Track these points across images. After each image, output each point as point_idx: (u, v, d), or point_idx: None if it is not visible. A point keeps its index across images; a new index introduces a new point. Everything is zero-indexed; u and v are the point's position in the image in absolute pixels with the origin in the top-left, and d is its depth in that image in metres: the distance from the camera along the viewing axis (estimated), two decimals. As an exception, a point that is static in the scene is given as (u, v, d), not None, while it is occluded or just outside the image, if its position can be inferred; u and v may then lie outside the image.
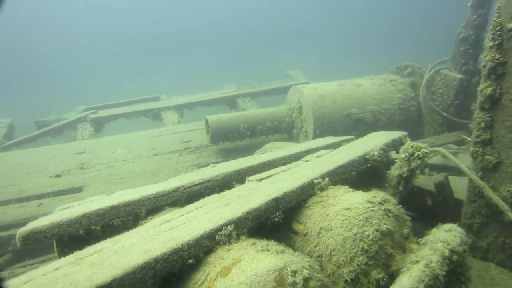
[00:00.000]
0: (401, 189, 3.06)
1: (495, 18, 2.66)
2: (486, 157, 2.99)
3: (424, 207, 3.84)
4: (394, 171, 2.97)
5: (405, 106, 5.71)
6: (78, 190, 5.15)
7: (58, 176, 5.35)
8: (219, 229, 2.14)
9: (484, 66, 2.78)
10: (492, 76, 2.75)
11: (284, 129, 5.98)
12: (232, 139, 5.85)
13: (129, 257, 1.90)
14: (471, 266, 2.10)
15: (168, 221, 2.32)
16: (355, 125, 5.46)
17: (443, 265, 1.87)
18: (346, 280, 2.21)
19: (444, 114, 5.45)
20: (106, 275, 1.75)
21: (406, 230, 2.45)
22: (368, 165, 3.14)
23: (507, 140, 2.85)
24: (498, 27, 2.65)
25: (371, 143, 3.35)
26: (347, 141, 3.81)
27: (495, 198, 2.94)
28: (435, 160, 4.62)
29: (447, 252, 1.92)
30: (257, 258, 1.97)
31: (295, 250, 2.50)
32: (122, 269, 1.79)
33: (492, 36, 2.68)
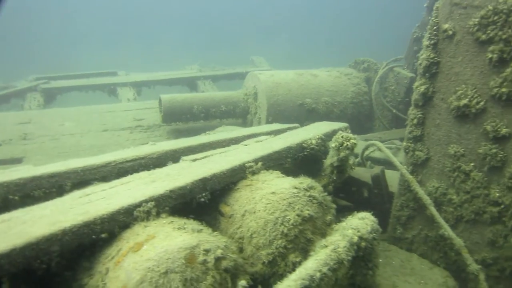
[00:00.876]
0: (334, 178, 3.12)
1: (432, 18, 2.73)
2: (416, 152, 3.09)
3: (361, 198, 3.95)
4: (327, 161, 3.03)
5: (358, 100, 5.83)
6: (18, 161, 4.96)
7: (-3, 145, 5.13)
8: (138, 205, 2.11)
9: (420, 64, 2.86)
10: (426, 74, 2.84)
11: (239, 114, 5.97)
12: (185, 120, 5.79)
13: (36, 227, 1.85)
14: (379, 254, 2.17)
15: (88, 195, 2.27)
16: (308, 115, 5.52)
17: (350, 250, 1.93)
18: (264, 262, 2.24)
19: (394, 111, 5.60)
20: (7, 244, 1.70)
21: (329, 217, 2.50)
22: (305, 153, 3.19)
23: (436, 138, 2.96)
24: (435, 27, 2.72)
25: (312, 132, 3.40)
26: (292, 129, 3.85)
27: (421, 192, 3.05)
28: (379, 154, 4.76)
29: (355, 239, 1.98)
30: (171, 236, 1.96)
31: (220, 232, 2.52)
32: (25, 239, 1.74)
33: (429, 35, 2.76)
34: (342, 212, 3.14)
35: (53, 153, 5.16)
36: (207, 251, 1.91)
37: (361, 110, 5.87)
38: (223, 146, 3.29)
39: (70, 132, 5.66)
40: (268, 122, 5.31)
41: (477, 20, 2.43)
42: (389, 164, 4.44)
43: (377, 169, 3.82)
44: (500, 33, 2.34)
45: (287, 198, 2.36)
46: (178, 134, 5.85)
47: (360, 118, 5.87)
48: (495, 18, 2.34)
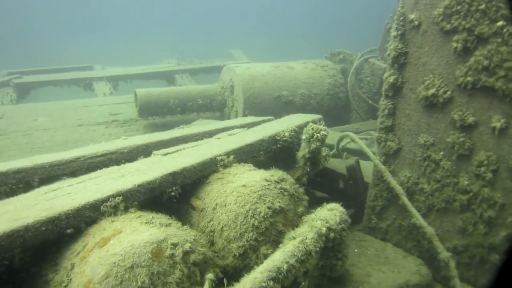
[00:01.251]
0: (308, 170, 3.13)
1: (399, 9, 2.75)
2: (388, 143, 3.12)
3: (337, 189, 3.98)
4: (300, 152, 3.03)
5: (334, 91, 5.85)
6: (-11, 157, 4.83)
7: (-33, 142, 4.98)
8: (105, 200, 2.08)
9: (389, 55, 2.88)
10: (395, 65, 2.86)
11: (216, 108, 5.93)
12: (161, 114, 5.73)
13: (-2, 224, 1.80)
14: (350, 244, 2.19)
15: (54, 190, 2.23)
16: (285, 107, 5.52)
17: (318, 242, 1.94)
18: (235, 255, 2.24)
19: (370, 102, 5.65)
20: (-35, 242, 1.65)
21: (301, 209, 2.51)
22: (279, 145, 3.19)
23: (406, 128, 2.99)
24: (401, 18, 2.74)
25: (285, 124, 3.39)
26: (266, 121, 3.84)
27: (393, 182, 3.09)
28: (354, 145, 4.80)
29: (324, 230, 1.99)
30: (139, 230, 1.94)
31: (191, 225, 2.51)
32: (-15, 237, 1.69)
33: (396, 26, 2.77)
34: (319, 204, 3.16)
35: (26, 148, 5.05)
36: (174, 245, 1.90)
37: (338, 101, 5.90)
38: (197, 140, 3.27)
39: (44, 127, 5.54)
40: (245, 115, 5.29)
41: (441, 10, 2.46)
42: (364, 155, 4.50)
43: (351, 160, 3.85)
44: (463, 22, 2.37)
45: (258, 191, 2.36)
46: (155, 128, 5.78)
47: (337, 109, 5.90)
48: (458, 7, 2.37)
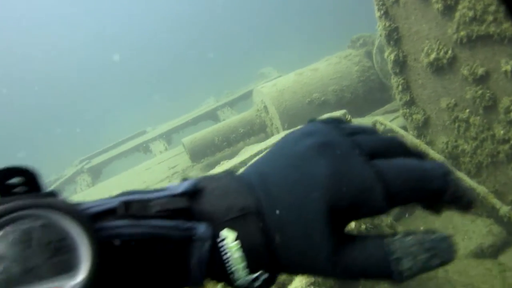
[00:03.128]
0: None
1: (374, -10, 2.77)
2: (414, 116, 3.09)
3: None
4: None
5: (365, 77, 5.78)
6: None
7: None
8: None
9: (381, 35, 2.89)
10: (391, 42, 2.86)
11: (258, 131, 6.13)
12: (211, 154, 6.04)
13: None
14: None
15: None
16: (320, 108, 5.56)
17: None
18: None
19: (403, 75, 5.50)
20: None
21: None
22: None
23: (425, 97, 2.95)
24: (379, -3, 2.76)
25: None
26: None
27: (432, 152, 3.03)
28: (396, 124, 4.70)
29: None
30: None
31: None
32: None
33: (377, 6, 2.79)
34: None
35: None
36: None
37: (372, 85, 5.81)
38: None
39: (116, 200, 6.10)
40: (285, 129, 5.43)
41: (410, -21, 2.46)
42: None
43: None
44: (434, -17, 2.35)
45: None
46: (210, 168, 6.10)
47: (373, 92, 5.80)
48: (424, -29, 2.36)
